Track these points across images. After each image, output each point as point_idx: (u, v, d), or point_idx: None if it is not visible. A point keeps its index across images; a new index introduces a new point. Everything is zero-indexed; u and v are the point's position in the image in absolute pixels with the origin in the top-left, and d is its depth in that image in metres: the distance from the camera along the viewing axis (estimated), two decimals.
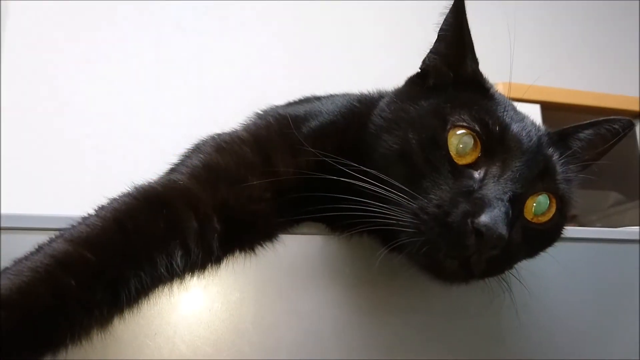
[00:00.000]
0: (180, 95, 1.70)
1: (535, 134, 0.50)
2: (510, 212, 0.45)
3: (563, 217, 0.50)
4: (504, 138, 0.48)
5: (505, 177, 0.46)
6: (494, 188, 0.45)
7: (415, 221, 0.44)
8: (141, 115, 1.62)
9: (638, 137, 1.18)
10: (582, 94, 1.13)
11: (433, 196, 0.45)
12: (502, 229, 0.42)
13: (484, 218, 0.42)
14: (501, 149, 0.48)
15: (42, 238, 0.42)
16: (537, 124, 0.54)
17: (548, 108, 1.04)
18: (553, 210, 0.49)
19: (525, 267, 0.54)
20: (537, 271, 0.55)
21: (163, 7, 1.76)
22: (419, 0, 1.55)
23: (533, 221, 0.48)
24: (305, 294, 0.47)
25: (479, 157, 0.47)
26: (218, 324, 0.43)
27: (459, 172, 0.47)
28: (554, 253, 0.55)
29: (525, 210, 0.48)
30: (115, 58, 1.67)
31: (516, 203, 0.46)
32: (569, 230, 0.58)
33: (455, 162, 0.47)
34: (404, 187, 0.46)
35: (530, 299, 0.54)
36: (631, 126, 0.56)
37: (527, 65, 1.94)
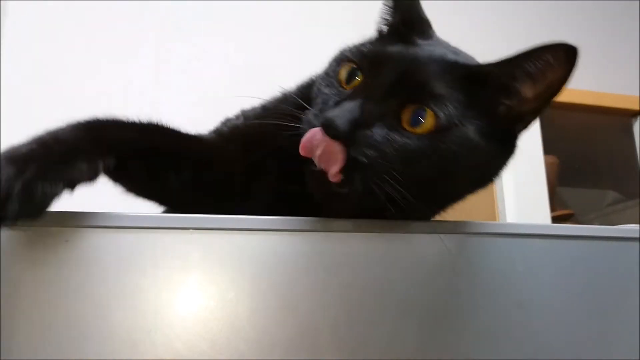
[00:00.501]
0: (179, 95, 1.70)
1: (418, 55, 0.57)
2: (359, 113, 0.52)
3: (442, 143, 0.53)
4: (378, 61, 0.56)
5: (363, 85, 0.56)
6: (350, 93, 0.55)
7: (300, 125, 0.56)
8: (141, 115, 1.61)
9: (636, 136, 1.18)
10: (580, 93, 1.13)
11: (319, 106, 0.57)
12: (338, 122, 0.50)
13: (326, 114, 0.52)
14: (374, 70, 0.56)
15: (43, 232, 0.43)
16: (458, 56, 0.60)
17: None
18: (429, 126, 0.53)
19: (521, 265, 0.54)
20: (534, 269, 0.55)
21: (162, 7, 1.76)
22: None
23: (407, 129, 0.53)
24: (301, 291, 0.47)
25: (361, 80, 0.57)
26: (214, 322, 0.43)
27: (344, 93, 0.57)
28: (552, 250, 0.55)
29: (402, 119, 0.53)
30: (115, 58, 1.67)
31: (370, 106, 0.53)
32: (567, 228, 0.57)
33: (343, 88, 0.57)
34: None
35: (525, 298, 0.53)
36: (574, 52, 0.53)
37: None
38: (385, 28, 0.63)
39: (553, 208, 0.99)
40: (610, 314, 0.56)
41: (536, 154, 0.99)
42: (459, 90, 0.54)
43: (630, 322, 0.56)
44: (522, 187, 0.93)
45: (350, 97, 0.54)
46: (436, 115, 0.52)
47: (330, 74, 0.59)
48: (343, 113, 0.51)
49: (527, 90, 0.55)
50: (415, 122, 0.53)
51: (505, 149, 0.58)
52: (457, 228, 0.55)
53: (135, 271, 0.44)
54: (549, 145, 1.01)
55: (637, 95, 1.26)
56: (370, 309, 0.49)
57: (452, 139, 0.53)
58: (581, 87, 1.16)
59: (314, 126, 0.52)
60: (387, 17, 0.63)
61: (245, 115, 0.67)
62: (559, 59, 0.53)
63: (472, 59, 0.61)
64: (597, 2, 2.26)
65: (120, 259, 0.44)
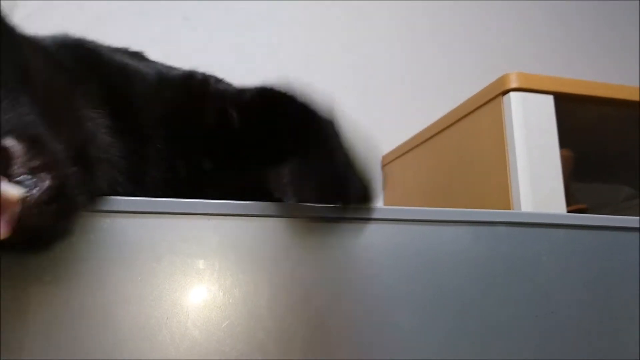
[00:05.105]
0: None
1: None
2: None
3: None
4: None
5: None
6: None
7: None
8: None
9: None
10: (598, 85, 1.11)
11: None
12: None
13: None
14: None
15: None
16: None
17: (562, 99, 1.02)
18: None
19: (517, 259, 0.53)
20: (528, 260, 0.54)
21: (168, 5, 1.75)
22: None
23: None
24: (320, 280, 0.46)
25: None
26: (231, 310, 0.43)
27: None
28: (548, 240, 0.54)
29: None
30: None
31: None
32: (567, 217, 0.57)
33: None
34: None
35: (521, 290, 0.52)
36: None
37: (540, 56, 1.92)
38: None
39: (567, 202, 0.98)
40: (609, 309, 0.55)
41: (552, 147, 0.97)
42: None
43: (631, 318, 0.55)
44: (537, 181, 0.92)
45: None
46: None
47: None
48: None
49: None
50: None
51: None
52: (470, 217, 0.54)
53: (150, 257, 0.43)
54: (563, 139, 1.00)
55: None
56: (386, 301, 0.48)
57: None
58: (597, 78, 1.15)
59: None
60: None
61: None
62: None
63: None
64: None
65: (136, 245, 0.43)
